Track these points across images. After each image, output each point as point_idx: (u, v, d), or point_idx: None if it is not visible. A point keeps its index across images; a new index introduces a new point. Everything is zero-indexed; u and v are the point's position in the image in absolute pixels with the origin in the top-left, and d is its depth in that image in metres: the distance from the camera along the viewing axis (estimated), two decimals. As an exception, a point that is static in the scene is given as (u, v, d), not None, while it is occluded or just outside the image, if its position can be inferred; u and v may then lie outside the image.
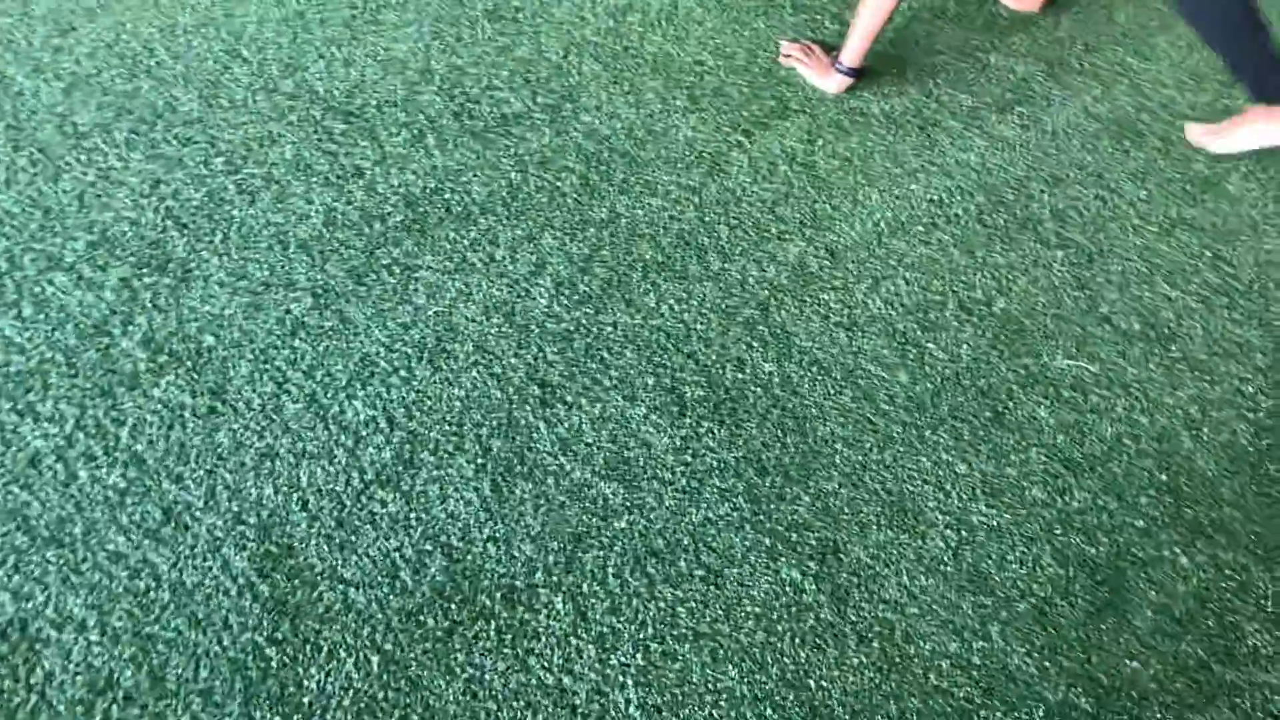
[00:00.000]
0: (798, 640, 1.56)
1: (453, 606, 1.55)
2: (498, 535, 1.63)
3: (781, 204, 2.14)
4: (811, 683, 1.53)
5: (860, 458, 1.74)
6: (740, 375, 1.83)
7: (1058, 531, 1.68)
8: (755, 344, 1.89)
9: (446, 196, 2.06)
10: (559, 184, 2.12)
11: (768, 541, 1.65)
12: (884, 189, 2.20)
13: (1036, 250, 2.11)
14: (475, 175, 2.11)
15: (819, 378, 1.84)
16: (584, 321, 1.89)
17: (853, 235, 2.10)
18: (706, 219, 2.09)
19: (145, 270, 1.87)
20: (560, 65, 2.38)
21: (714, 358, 1.85)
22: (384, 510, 1.64)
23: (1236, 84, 2.32)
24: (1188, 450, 1.81)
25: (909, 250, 2.08)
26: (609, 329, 1.88)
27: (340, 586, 1.56)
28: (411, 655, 1.50)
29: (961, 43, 2.58)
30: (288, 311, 1.83)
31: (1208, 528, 1.70)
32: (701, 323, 1.91)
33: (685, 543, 1.64)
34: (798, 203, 2.15)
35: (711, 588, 1.60)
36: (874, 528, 1.67)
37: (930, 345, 1.92)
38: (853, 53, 2.34)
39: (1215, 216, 2.23)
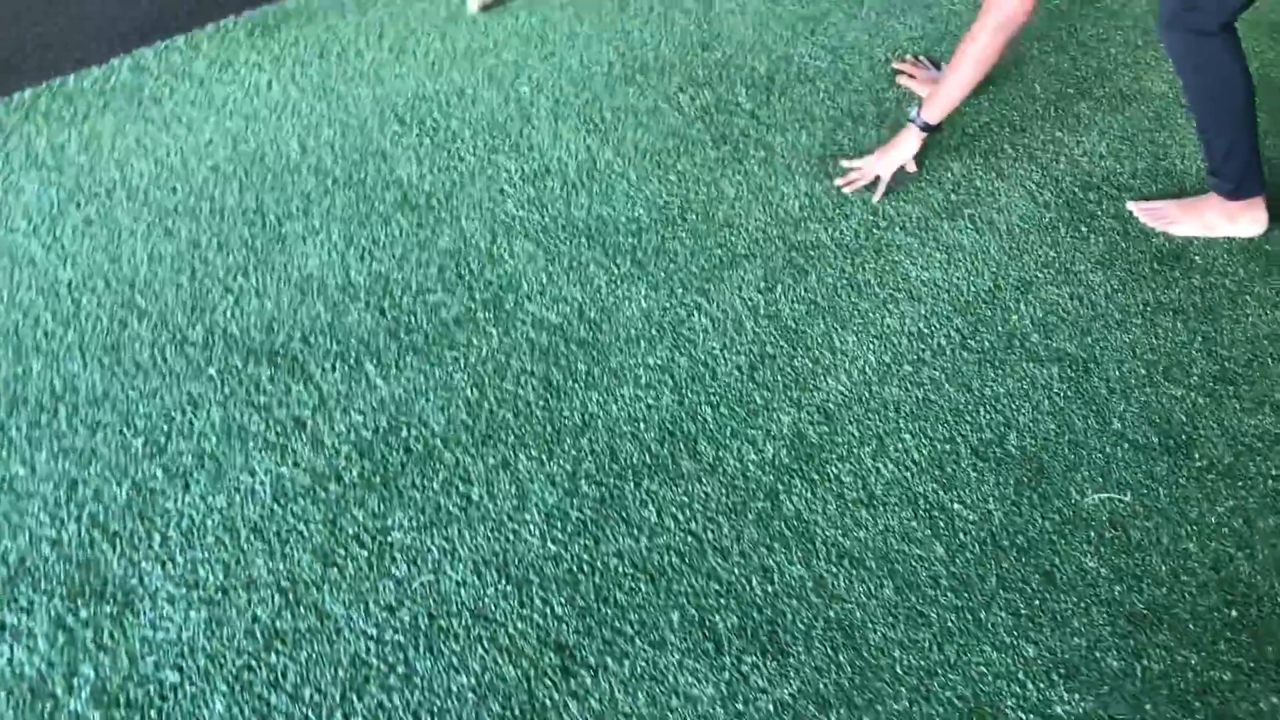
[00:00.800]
0: None
1: None
2: None
3: (759, 367, 1.99)
4: None
5: (922, 662, 1.58)
6: (770, 588, 1.66)
7: (1147, 706, 1.54)
8: (776, 544, 1.72)
9: (403, 434, 1.86)
10: (520, 392, 1.93)
11: (848, 786, 1.47)
12: (858, 330, 2.06)
13: (1030, 370, 2.00)
14: (428, 401, 1.91)
15: (854, 572, 1.68)
16: (585, 557, 1.70)
17: (841, 390, 1.95)
18: (686, 401, 1.93)
19: (79, 601, 1.62)
20: (490, 251, 2.21)
21: (736, 572, 1.68)
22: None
23: (1210, 177, 2.24)
24: (1247, 575, 1.69)
25: (904, 396, 1.95)
26: (614, 560, 1.69)
27: None
28: None
29: (894, 149, 2.48)
30: (255, 619, 1.60)
31: (1295, 664, 1.58)
32: (712, 530, 1.73)
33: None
34: (775, 363, 2.00)
35: None
36: (956, 742, 1.51)
37: (957, 506, 1.78)
38: (939, 111, 2.26)
39: (1192, 295, 2.15)
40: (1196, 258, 2.24)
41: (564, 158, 2.44)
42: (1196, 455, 1.87)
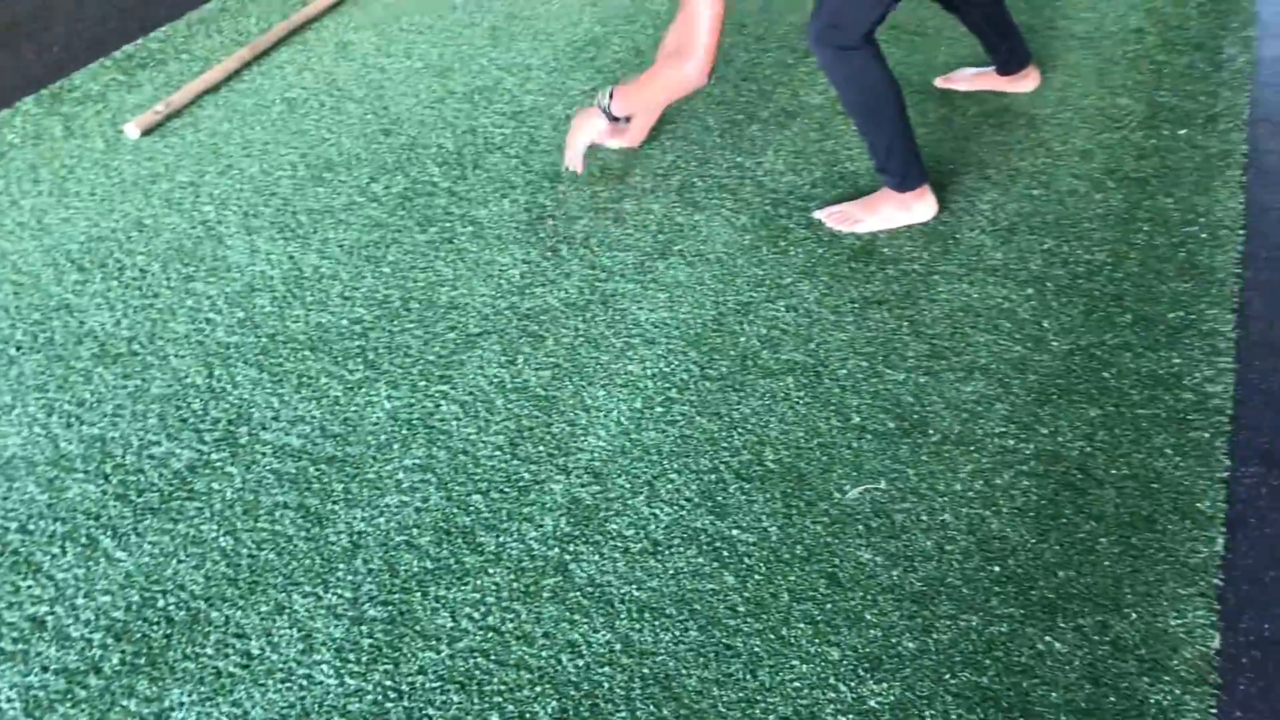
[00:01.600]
0: None
1: None
2: None
3: (520, 442, 1.98)
4: None
5: (741, 694, 1.62)
6: (581, 661, 1.65)
7: (947, 676, 1.64)
8: (576, 616, 1.71)
9: (160, 605, 1.71)
10: (278, 528, 1.83)
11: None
12: (605, 383, 2.10)
13: (769, 386, 2.10)
14: (180, 561, 1.77)
15: (657, 623, 1.70)
16: (388, 684, 1.63)
17: (603, 446, 1.98)
18: (454, 495, 1.89)
19: None
20: (210, 386, 2.08)
21: (544, 655, 1.66)
22: None
23: (879, 174, 2.44)
24: (999, 529, 1.85)
25: (662, 438, 2.00)
26: (419, 679, 1.63)
27: None
28: None
29: (591, 200, 2.55)
30: None
31: (1055, 600, 1.74)
32: (511, 620, 1.71)
33: None
34: (534, 434, 2.00)
35: None
36: (791, 762, 1.56)
37: (735, 532, 1.84)
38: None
39: (890, 284, 2.34)
40: (885, 250, 2.43)
41: (267, 271, 2.34)
42: (930, 431, 2.02)
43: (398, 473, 1.93)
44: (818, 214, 2.51)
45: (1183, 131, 2.80)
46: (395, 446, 1.97)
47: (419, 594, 1.74)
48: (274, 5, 3.27)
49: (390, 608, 1.72)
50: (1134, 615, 1.72)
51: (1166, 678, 1.64)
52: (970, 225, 2.50)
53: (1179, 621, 1.71)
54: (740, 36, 3.18)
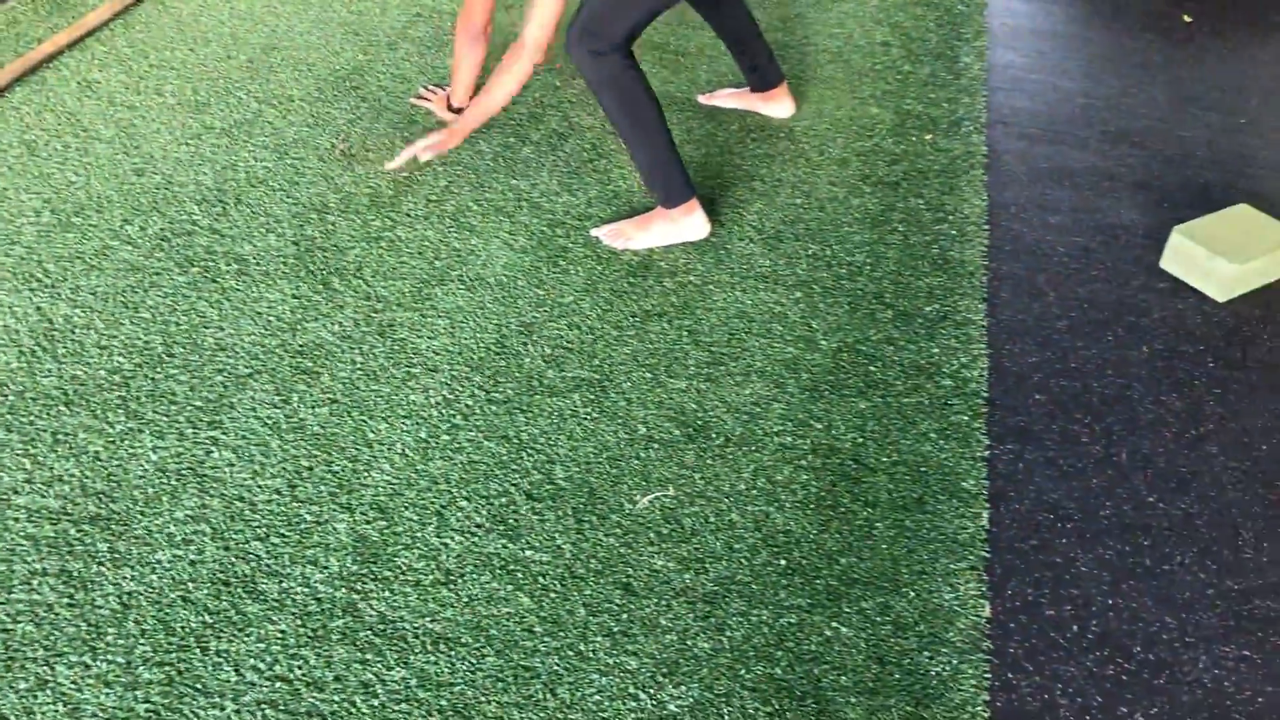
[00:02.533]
0: None
1: None
2: None
3: (299, 483, 1.91)
4: None
5: (542, 715, 1.60)
6: (375, 701, 1.60)
7: (742, 672, 1.68)
8: (369, 655, 1.66)
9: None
10: (37, 598, 1.70)
11: None
12: (387, 415, 2.05)
13: (555, 404, 2.11)
14: (-79, 646, 1.62)
15: (453, 652, 1.67)
16: (169, 748, 1.53)
17: (389, 480, 1.93)
18: (231, 545, 1.80)
19: None
20: (-50, 453, 1.92)
21: (337, 699, 1.60)
22: None
23: (649, 191, 2.50)
24: (783, 523, 1.91)
25: (450, 466, 1.97)
26: (203, 739, 1.54)
27: None
28: None
29: (363, 230, 2.50)
30: None
31: (839, 587, 1.81)
32: (299, 666, 1.64)
33: None
34: (314, 474, 1.93)
35: None
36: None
37: (529, 553, 1.83)
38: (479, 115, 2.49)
39: (669, 296, 2.39)
40: (662, 264, 2.49)
41: (12, 325, 2.18)
42: (713, 435, 2.07)
43: (168, 526, 1.82)
44: (595, 232, 2.54)
45: (929, 136, 2.99)
46: (164, 499, 1.86)
47: (198, 650, 1.65)
48: (5, 43, 3.06)
49: (167, 668, 1.62)
50: (912, 594, 1.81)
51: (944, 650, 1.73)
52: (740, 235, 2.58)
53: (952, 595, 1.81)
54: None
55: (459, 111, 2.79)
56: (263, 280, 2.34)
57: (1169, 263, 2.57)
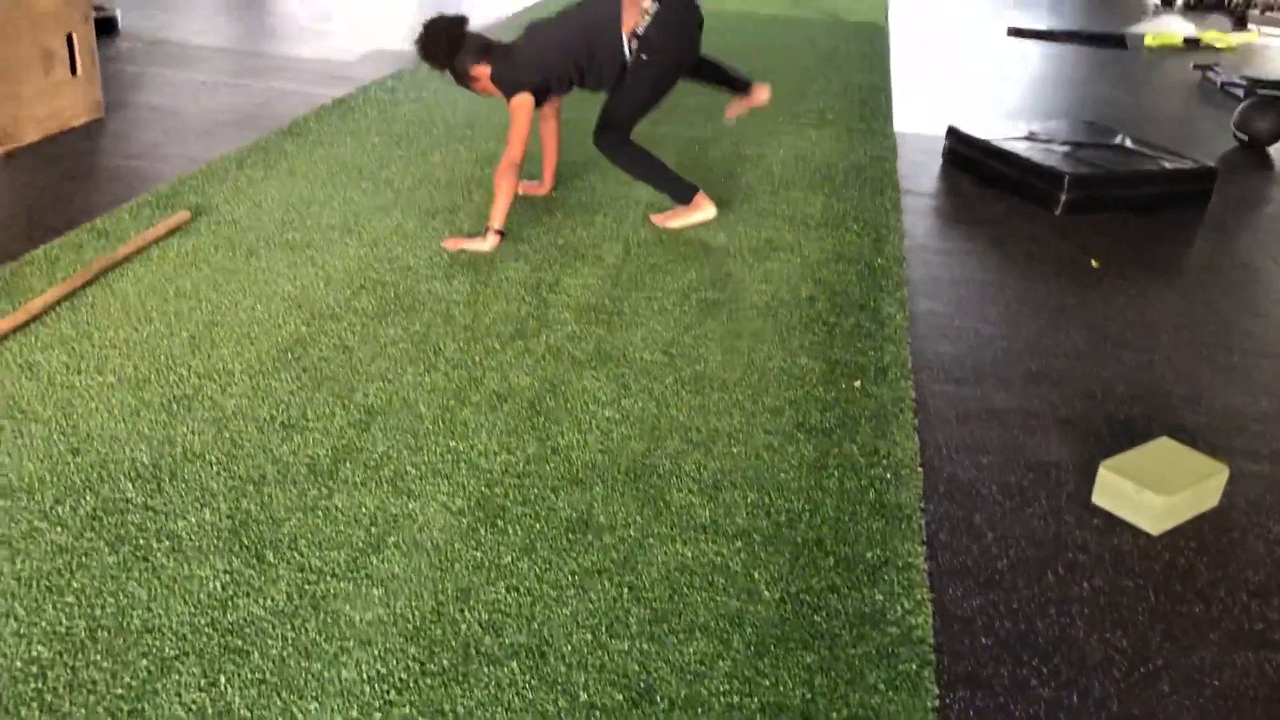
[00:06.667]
0: None
1: None
2: None
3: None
4: None
5: None
6: None
7: None
8: None
9: None
10: None
11: None
12: (317, 694, 1.97)
13: (493, 673, 2.04)
14: None
15: None
16: None
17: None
18: None
19: None
20: None
21: None
22: None
23: (673, 200, 3.88)
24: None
25: (382, 747, 1.88)
26: None
27: None
28: None
29: (299, 500, 2.48)
30: None
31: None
32: None
33: None
34: (238, 764, 1.83)
35: None
36: None
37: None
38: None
39: (608, 553, 2.37)
40: (601, 519, 2.48)
41: (-73, 617, 2.10)
42: (658, 698, 2.01)
43: None
44: (654, 218, 4.09)
45: (858, 383, 3.08)
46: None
47: None
48: (-50, 328, 3.11)
49: None
50: None
51: None
52: (678, 486, 2.60)
53: None
54: (449, 327, 3.29)
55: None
56: (195, 557, 2.29)
57: (1100, 497, 2.61)
